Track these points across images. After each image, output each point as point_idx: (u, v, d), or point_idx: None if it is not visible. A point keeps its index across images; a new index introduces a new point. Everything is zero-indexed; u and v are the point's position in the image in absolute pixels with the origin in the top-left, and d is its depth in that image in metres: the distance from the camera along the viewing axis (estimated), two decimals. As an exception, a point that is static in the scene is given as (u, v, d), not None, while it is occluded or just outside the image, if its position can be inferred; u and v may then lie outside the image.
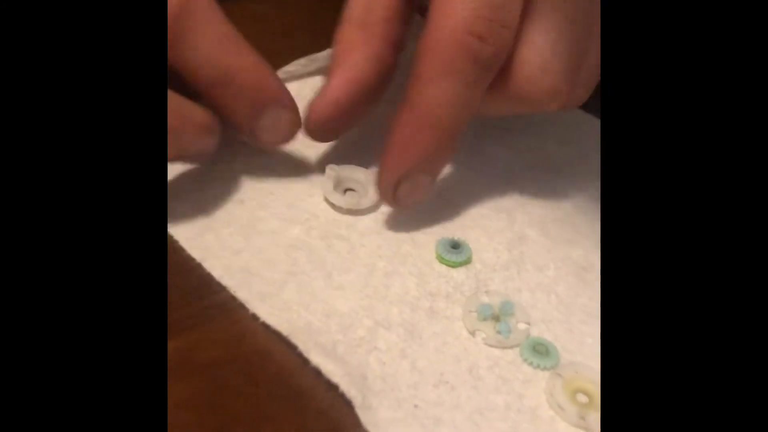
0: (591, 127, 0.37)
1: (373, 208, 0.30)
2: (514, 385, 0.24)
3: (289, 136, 0.29)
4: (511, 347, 0.25)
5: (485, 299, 0.27)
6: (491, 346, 0.25)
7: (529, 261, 0.29)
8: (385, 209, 0.30)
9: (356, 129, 0.31)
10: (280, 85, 0.28)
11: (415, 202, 0.29)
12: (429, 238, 0.29)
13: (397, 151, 0.27)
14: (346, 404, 0.22)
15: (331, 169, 0.30)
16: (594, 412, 0.23)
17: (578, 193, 0.33)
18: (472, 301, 0.27)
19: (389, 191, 0.28)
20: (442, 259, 0.28)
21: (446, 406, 0.23)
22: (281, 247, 0.28)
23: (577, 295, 0.28)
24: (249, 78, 0.26)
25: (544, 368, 0.24)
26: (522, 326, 0.26)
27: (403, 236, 0.29)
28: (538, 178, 0.33)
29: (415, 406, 0.23)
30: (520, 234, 0.30)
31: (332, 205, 0.30)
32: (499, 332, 0.25)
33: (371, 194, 0.30)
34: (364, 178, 0.31)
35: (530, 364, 0.25)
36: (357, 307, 0.26)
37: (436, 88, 0.25)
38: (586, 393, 0.24)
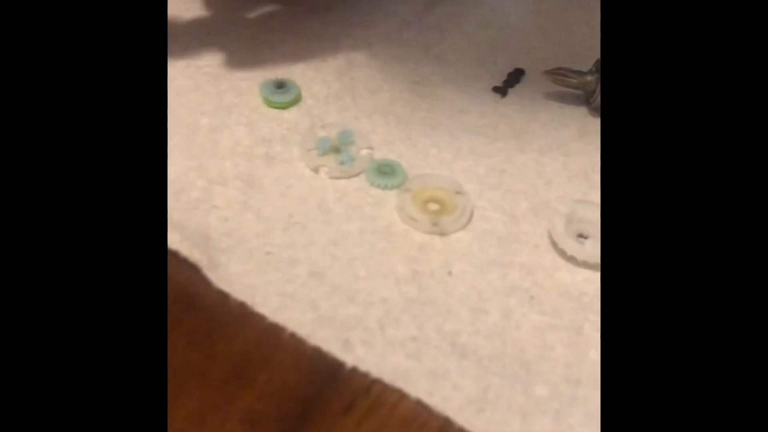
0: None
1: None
2: (365, 210, 0.23)
3: None
4: (357, 175, 0.24)
5: (322, 133, 0.25)
6: (337, 178, 0.24)
7: (361, 86, 0.27)
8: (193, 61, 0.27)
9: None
10: None
11: None
12: (252, 84, 0.27)
13: None
14: (193, 268, 0.21)
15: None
16: (446, 216, 0.23)
17: (401, 6, 0.31)
18: (308, 138, 0.25)
19: None
20: (269, 103, 0.26)
21: (300, 246, 0.22)
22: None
23: (415, 111, 0.27)
24: None
25: (393, 187, 0.24)
26: (364, 152, 0.25)
27: (224, 87, 0.27)
28: None
29: (267, 253, 0.22)
30: (347, 60, 0.28)
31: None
32: (341, 163, 0.24)
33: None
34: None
35: (378, 186, 0.24)
36: (185, 169, 0.24)
37: None
38: (436, 201, 0.23)
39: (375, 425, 0.18)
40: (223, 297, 0.20)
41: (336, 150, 0.25)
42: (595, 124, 0.27)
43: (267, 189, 0.23)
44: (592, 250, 0.22)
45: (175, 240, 0.21)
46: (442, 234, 0.23)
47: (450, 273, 0.22)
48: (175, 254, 0.21)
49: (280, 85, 0.27)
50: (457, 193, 0.23)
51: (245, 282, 0.21)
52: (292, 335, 0.20)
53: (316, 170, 0.24)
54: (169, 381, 0.18)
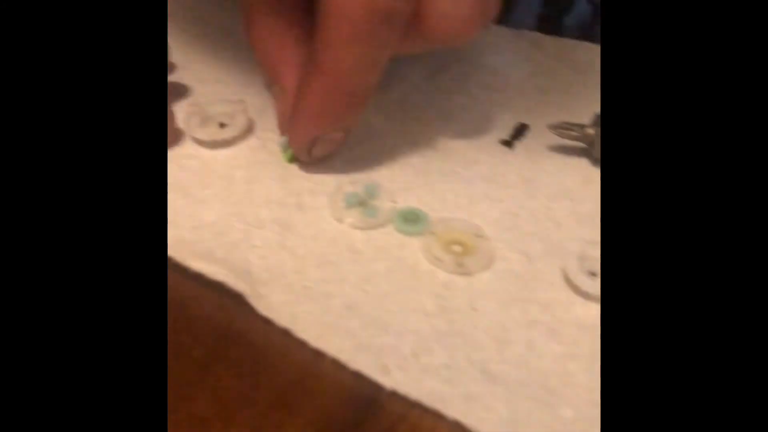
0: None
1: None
2: (391, 252, 0.25)
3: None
4: (383, 225, 0.26)
5: (350, 188, 0.27)
6: (361, 228, 0.26)
7: (381, 144, 0.30)
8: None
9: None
10: None
11: (328, 153, 0.28)
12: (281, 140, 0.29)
13: (309, 116, 0.25)
14: (235, 298, 0.23)
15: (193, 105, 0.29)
16: (469, 257, 0.25)
17: (410, 72, 0.34)
18: (337, 193, 0.27)
19: (304, 152, 0.27)
20: (294, 159, 0.29)
21: (333, 282, 0.24)
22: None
23: (430, 162, 0.29)
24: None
25: (419, 233, 0.26)
26: (388, 205, 0.27)
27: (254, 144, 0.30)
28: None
29: (305, 286, 0.24)
30: (365, 123, 0.31)
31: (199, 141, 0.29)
32: (367, 216, 0.26)
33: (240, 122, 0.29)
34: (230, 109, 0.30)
35: (404, 232, 0.26)
36: (225, 214, 0.26)
37: (348, 54, 0.23)
38: (459, 243, 0.26)
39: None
40: (266, 328, 0.22)
41: (362, 203, 0.27)
42: (597, 173, 0.30)
43: (301, 232, 0.26)
44: (603, 285, 0.25)
45: (220, 272, 0.24)
46: (465, 274, 0.25)
47: (475, 309, 0.24)
48: (219, 288, 0.23)
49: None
50: (478, 236, 0.26)
51: (286, 311, 0.23)
52: (333, 361, 0.22)
53: (340, 221, 0.26)
54: (219, 411, 0.20)
